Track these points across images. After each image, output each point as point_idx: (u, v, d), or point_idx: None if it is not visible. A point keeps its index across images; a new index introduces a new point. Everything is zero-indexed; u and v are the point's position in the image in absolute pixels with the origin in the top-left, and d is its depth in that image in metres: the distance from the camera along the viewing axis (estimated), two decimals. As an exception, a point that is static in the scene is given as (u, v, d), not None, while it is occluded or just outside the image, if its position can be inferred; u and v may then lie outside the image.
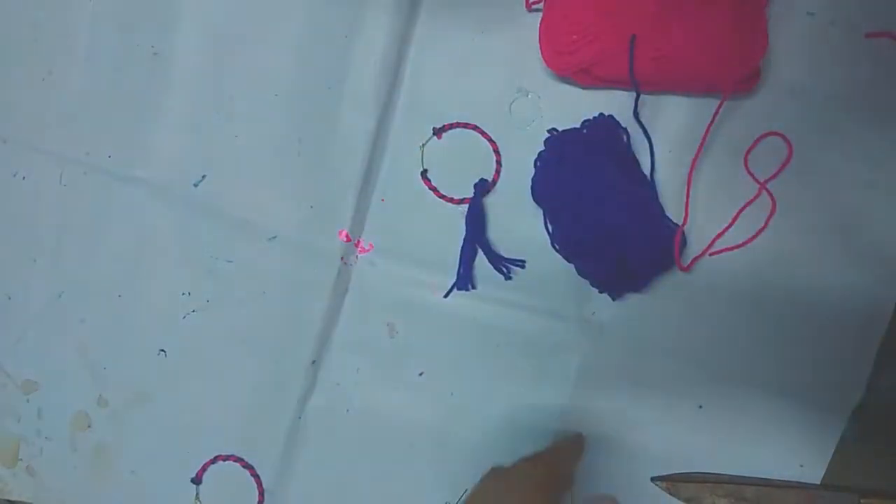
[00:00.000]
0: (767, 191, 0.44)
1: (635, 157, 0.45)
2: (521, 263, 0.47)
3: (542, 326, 0.47)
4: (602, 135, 0.45)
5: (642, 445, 0.47)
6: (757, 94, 0.44)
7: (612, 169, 0.44)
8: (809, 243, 0.44)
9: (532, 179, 0.46)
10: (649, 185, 0.44)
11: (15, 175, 0.52)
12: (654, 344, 0.46)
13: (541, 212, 0.46)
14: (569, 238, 0.45)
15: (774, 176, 0.44)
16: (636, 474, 0.47)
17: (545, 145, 0.45)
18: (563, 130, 0.45)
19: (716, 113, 0.43)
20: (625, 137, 0.45)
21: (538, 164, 0.46)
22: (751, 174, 0.44)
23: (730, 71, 0.42)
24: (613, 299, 0.46)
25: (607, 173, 0.43)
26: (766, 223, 0.44)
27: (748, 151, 0.44)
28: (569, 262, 0.46)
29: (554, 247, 0.46)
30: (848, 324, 0.44)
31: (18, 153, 0.51)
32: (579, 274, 0.45)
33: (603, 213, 0.43)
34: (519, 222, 0.47)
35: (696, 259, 0.45)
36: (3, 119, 0.51)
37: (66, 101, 0.50)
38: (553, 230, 0.46)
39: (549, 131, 0.45)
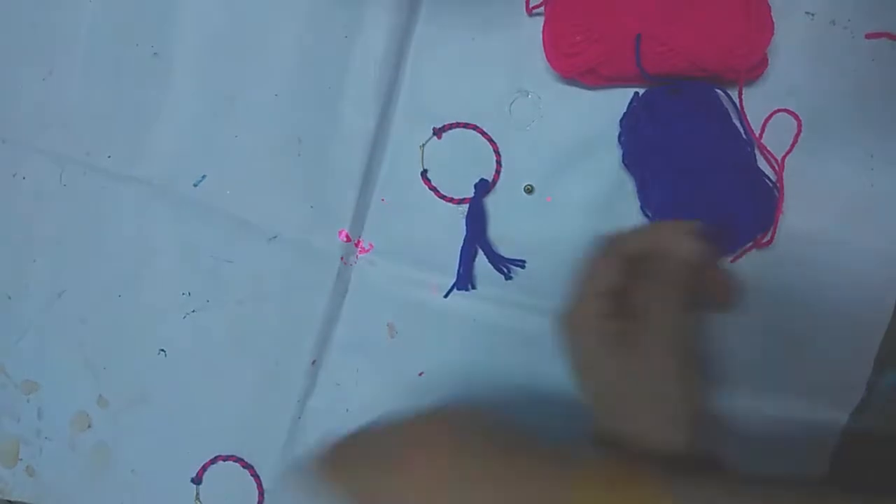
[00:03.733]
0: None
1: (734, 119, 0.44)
2: (521, 263, 0.47)
3: (542, 326, 0.47)
4: (698, 96, 0.43)
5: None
6: (755, 95, 0.44)
7: (716, 130, 0.43)
8: (808, 243, 0.44)
9: (620, 144, 0.45)
10: (751, 144, 0.43)
11: (15, 175, 0.52)
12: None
13: (541, 211, 0.46)
14: (666, 204, 0.43)
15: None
16: (636, 474, 0.46)
17: (634, 105, 0.44)
18: (649, 90, 0.44)
19: (740, 102, 0.43)
20: (723, 100, 0.44)
21: (624, 124, 0.45)
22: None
23: (738, 59, 0.42)
24: None
25: (710, 134, 0.42)
26: (766, 223, 0.44)
27: (748, 151, 0.44)
28: None
29: (646, 214, 0.45)
30: (848, 324, 0.44)
31: (18, 153, 0.51)
32: None
33: (707, 176, 0.42)
34: (519, 222, 0.47)
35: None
36: (3, 119, 0.51)
37: (66, 101, 0.50)
38: (646, 196, 0.45)
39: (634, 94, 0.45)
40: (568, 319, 0.38)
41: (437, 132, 0.47)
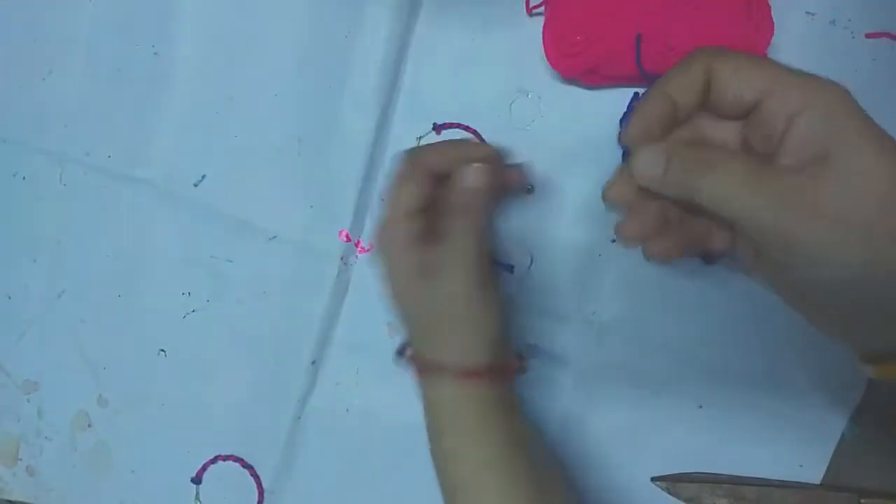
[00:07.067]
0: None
1: None
2: (510, 268, 0.46)
3: (541, 326, 0.47)
4: None
5: (642, 445, 0.47)
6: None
7: None
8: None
9: (620, 144, 0.45)
10: None
11: (15, 175, 0.52)
12: (655, 344, 0.46)
13: (541, 211, 0.46)
14: None
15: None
16: (636, 474, 0.47)
17: (634, 105, 0.44)
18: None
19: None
20: None
21: (624, 124, 0.44)
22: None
23: None
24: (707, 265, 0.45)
25: None
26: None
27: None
28: None
29: None
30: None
31: (18, 153, 0.51)
32: None
33: None
34: (519, 222, 0.47)
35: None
36: (3, 119, 0.51)
37: (66, 101, 0.50)
38: None
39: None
40: (377, 242, 0.38)
41: (437, 128, 0.47)
